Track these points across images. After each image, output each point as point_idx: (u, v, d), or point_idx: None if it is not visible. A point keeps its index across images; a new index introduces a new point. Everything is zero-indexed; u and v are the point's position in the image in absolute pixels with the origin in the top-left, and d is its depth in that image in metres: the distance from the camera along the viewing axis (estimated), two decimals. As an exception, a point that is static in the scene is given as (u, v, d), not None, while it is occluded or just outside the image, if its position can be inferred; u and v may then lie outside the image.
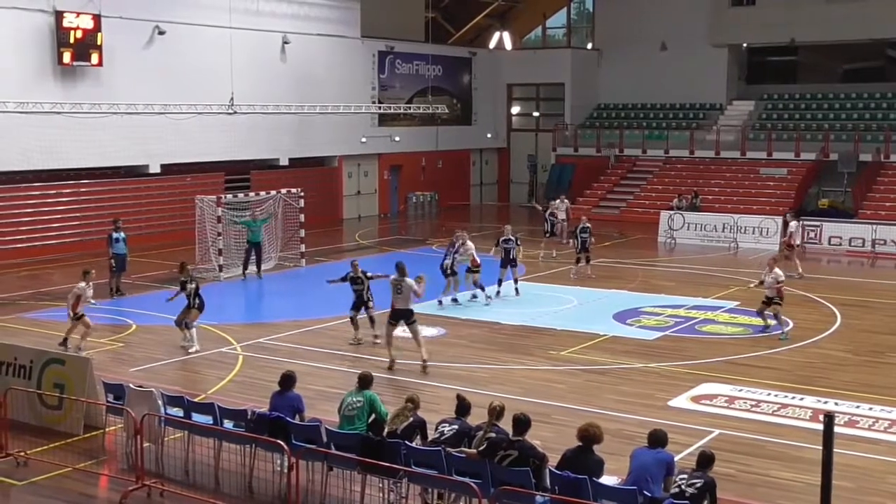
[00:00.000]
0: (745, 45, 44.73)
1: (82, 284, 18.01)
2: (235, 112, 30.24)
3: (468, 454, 10.21)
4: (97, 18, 29.09)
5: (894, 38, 40.82)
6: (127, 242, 23.23)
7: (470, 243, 22.49)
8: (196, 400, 13.03)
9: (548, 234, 29.33)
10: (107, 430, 13.01)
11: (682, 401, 15.02)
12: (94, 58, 29.22)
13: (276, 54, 35.42)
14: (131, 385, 12.67)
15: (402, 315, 16.77)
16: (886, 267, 29.00)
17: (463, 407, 10.90)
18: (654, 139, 43.28)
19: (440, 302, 21.69)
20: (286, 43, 35.54)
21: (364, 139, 39.60)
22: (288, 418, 11.39)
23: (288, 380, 11.84)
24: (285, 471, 10.77)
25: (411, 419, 10.82)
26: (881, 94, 41.45)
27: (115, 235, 22.92)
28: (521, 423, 10.07)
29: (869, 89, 41.93)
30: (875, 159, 37.89)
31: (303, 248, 27.88)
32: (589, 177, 42.93)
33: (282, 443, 10.78)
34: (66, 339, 17.79)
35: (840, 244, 31.35)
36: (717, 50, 43.62)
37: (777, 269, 19.71)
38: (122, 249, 22.95)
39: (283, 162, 36.45)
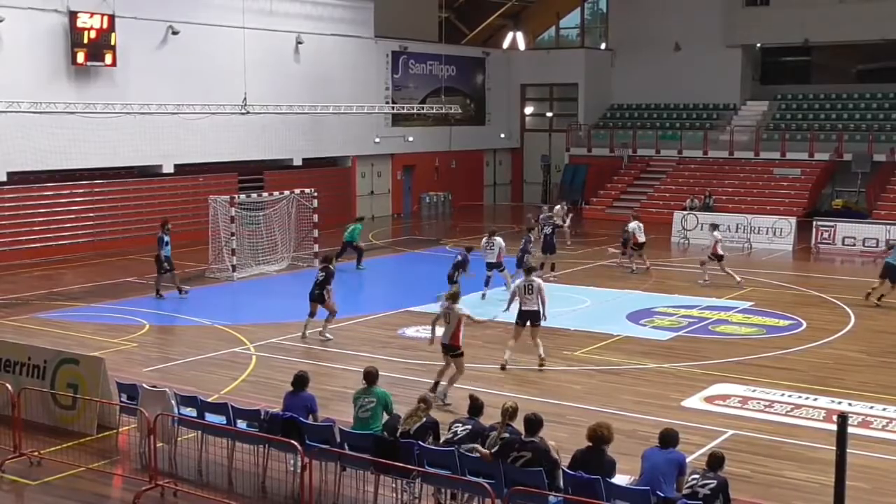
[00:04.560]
0: (758, 45, 44.61)
1: (467, 311, 15.01)
2: (249, 112, 30.29)
3: (482, 454, 10.20)
4: (111, 19, 29.19)
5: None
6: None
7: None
8: (209, 400, 13.05)
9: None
10: (120, 430, 13.06)
11: (695, 401, 14.98)
12: (108, 58, 29.31)
13: (289, 54, 35.49)
14: (145, 385, 12.70)
15: (529, 316, 16.70)
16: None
17: (476, 407, 10.90)
18: (667, 139, 43.20)
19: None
20: (299, 43, 35.61)
21: (377, 139, 39.64)
22: (301, 418, 11.40)
23: (301, 380, 11.85)
24: (298, 471, 10.77)
25: (424, 420, 10.81)
26: (895, 95, 41.26)
27: (165, 238, 22.83)
28: (533, 424, 10.07)
29: (883, 89, 41.76)
30: (889, 159, 37.76)
31: (316, 248, 27.88)
32: (602, 177, 42.91)
33: (295, 443, 10.79)
34: (436, 384, 14.95)
35: (854, 244, 31.22)
36: (731, 50, 43.48)
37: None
38: (169, 251, 22.94)
39: (297, 162, 36.51)
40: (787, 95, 43.97)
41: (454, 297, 14.94)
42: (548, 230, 25.44)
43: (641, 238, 25.97)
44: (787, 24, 41.61)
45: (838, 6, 40.95)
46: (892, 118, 40.24)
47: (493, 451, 10.09)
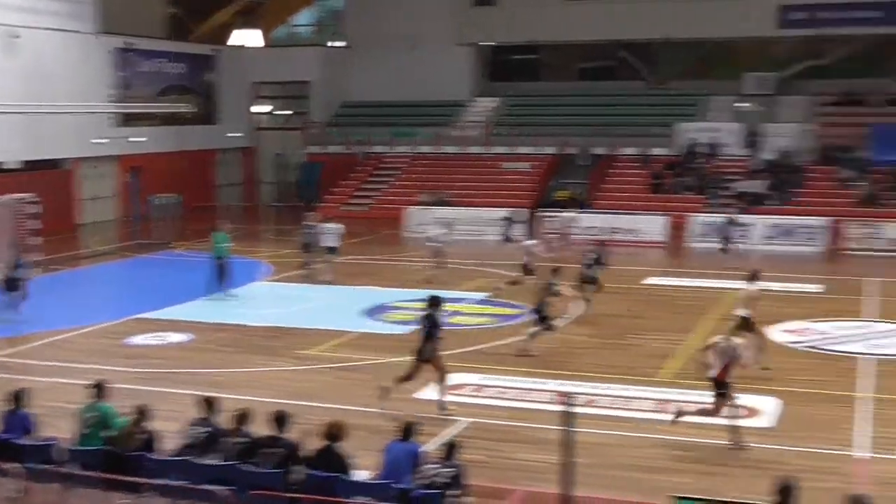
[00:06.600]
0: (488, 43, 46.16)
1: (746, 354, 13.53)
2: (-45, 111, 28.03)
3: None
4: None
5: (627, 39, 43.41)
6: None
7: None
8: None
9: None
10: None
11: (432, 392, 15.18)
12: None
13: (2, 48, 33.03)
14: None
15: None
16: (620, 254, 30.66)
17: (210, 407, 10.63)
18: (401, 136, 43.84)
19: None
20: (14, 37, 33.18)
21: (101, 140, 37.64)
22: (18, 439, 10.61)
23: (18, 397, 11.06)
24: (22, 495, 10.02)
25: (143, 438, 10.34)
26: (611, 92, 43.92)
27: (20, 261, 20.94)
28: (283, 420, 10.00)
29: (602, 87, 44.37)
30: (608, 153, 40.14)
31: (35, 256, 26.12)
32: (338, 174, 42.92)
33: (13, 466, 10.02)
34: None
35: (578, 234, 32.77)
36: (463, 48, 44.80)
37: None
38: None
39: (12, 165, 34.05)
40: (515, 92, 45.72)
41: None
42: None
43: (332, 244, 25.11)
44: (515, 24, 43.34)
45: (562, 7, 43.05)
46: (610, 114, 42.69)
47: (236, 452, 9.88)
